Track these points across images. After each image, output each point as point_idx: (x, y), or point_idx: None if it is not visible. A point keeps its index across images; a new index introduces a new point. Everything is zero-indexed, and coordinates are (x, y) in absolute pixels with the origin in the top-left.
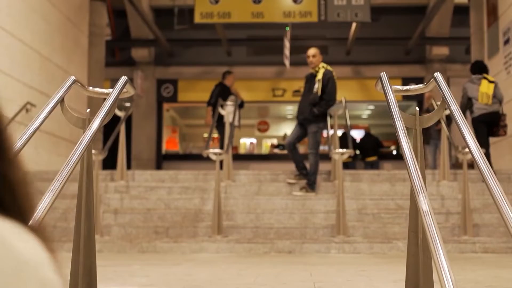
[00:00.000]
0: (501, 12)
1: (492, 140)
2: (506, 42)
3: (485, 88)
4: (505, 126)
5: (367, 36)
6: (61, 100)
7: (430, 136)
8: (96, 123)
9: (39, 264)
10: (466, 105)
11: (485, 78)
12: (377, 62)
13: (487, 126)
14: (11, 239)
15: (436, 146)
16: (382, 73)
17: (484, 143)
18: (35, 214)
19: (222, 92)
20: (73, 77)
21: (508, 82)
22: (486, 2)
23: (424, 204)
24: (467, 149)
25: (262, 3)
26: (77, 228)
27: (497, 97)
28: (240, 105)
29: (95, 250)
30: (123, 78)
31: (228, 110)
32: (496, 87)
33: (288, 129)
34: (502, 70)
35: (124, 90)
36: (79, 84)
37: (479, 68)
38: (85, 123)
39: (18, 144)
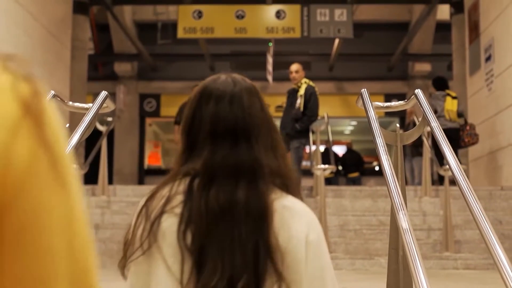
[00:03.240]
0: (482, 29)
1: (472, 156)
2: (488, 59)
3: (450, 105)
4: (475, 135)
5: (350, 52)
6: None
7: (404, 153)
8: (75, 138)
9: (315, 218)
10: None
11: (448, 94)
12: (360, 78)
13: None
14: (305, 207)
15: (411, 163)
16: (363, 89)
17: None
18: None
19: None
20: (52, 92)
21: (489, 99)
22: (468, 19)
23: (403, 222)
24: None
25: (245, 19)
26: None
27: (458, 112)
28: None
29: None
30: (103, 93)
31: None
32: (458, 102)
33: None
34: (483, 87)
35: (104, 105)
36: (59, 99)
37: (443, 84)
38: None
39: None
